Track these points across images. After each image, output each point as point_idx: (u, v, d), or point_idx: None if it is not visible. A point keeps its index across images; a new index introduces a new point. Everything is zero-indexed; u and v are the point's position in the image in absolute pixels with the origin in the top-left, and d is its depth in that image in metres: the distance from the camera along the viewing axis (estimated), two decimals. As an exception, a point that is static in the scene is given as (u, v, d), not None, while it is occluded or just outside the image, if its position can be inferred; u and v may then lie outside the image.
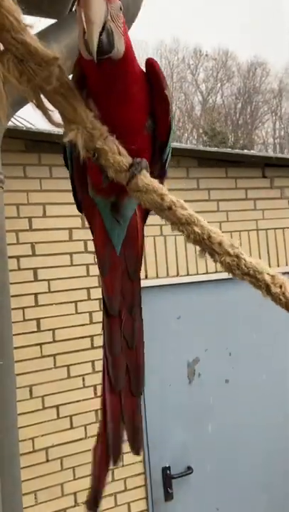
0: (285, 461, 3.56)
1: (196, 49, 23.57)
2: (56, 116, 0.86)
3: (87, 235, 2.93)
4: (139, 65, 0.89)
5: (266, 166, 3.56)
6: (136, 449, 0.94)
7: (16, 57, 0.83)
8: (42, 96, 0.85)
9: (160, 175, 0.99)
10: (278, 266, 3.55)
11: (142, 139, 0.92)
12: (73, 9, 1.81)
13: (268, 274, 0.81)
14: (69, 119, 0.82)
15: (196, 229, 0.79)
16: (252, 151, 4.32)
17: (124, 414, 0.88)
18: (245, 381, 3.40)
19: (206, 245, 0.82)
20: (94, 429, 2.93)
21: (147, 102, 0.90)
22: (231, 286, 3.10)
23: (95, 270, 2.98)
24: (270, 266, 3.31)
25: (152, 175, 0.87)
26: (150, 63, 0.90)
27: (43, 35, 0.87)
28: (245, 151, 3.61)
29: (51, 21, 1.89)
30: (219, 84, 23.62)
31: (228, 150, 3.34)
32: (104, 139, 0.81)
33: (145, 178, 0.81)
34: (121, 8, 0.79)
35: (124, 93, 0.85)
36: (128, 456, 3.12)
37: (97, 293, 2.98)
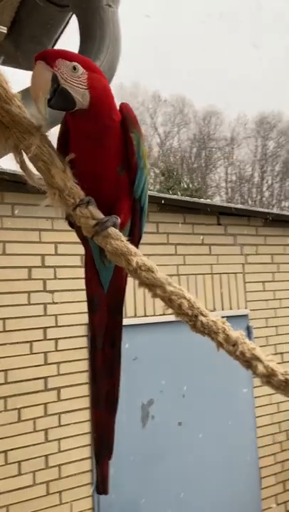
0: (241, 501, 3.56)
1: (154, 94, 24.75)
2: (39, 176, 0.92)
3: (47, 274, 2.95)
4: (117, 113, 0.97)
5: (220, 214, 3.77)
6: (109, 455, 1.13)
7: (3, 123, 0.89)
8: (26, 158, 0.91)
9: (137, 218, 1.06)
10: (231, 309, 3.70)
11: (116, 182, 0.98)
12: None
13: (223, 333, 0.89)
14: (49, 184, 0.89)
15: (159, 291, 0.87)
16: (208, 200, 4.56)
17: (98, 426, 1.14)
18: (198, 423, 3.43)
19: (167, 305, 0.90)
20: (42, 476, 2.83)
21: (121, 145, 0.97)
22: (188, 328, 3.16)
23: (52, 309, 2.96)
24: (222, 309, 3.39)
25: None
26: (121, 108, 0.98)
27: (26, 93, 0.94)
28: (202, 200, 3.82)
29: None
30: (176, 129, 24.79)
31: (188, 198, 3.52)
32: (76, 207, 0.88)
33: (114, 243, 0.88)
34: (75, 68, 0.89)
35: (97, 137, 0.94)
36: (78, 503, 2.96)
37: (54, 333, 2.95)
